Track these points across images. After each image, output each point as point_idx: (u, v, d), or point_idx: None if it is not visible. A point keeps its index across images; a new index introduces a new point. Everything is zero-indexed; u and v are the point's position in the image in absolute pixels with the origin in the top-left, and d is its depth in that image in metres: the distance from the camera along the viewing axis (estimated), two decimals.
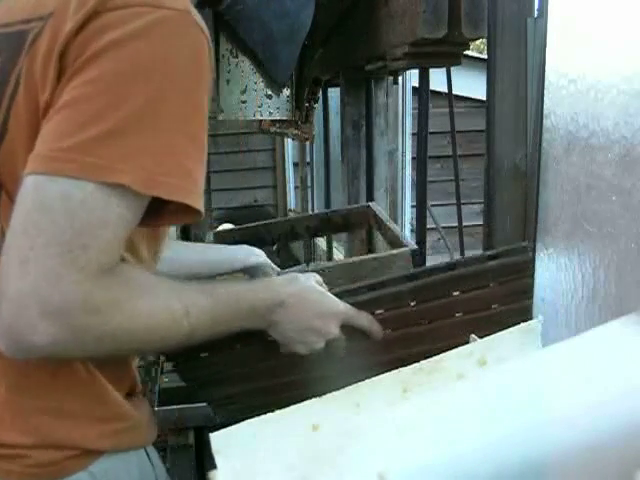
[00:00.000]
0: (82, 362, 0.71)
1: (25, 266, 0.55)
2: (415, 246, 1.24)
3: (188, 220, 0.67)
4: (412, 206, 2.60)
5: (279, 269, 1.24)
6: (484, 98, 1.25)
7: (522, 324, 0.77)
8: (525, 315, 0.92)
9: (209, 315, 0.70)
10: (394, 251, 1.23)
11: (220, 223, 4.61)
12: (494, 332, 0.87)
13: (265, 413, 0.91)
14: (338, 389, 0.68)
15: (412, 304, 0.87)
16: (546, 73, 1.11)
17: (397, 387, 0.69)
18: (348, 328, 0.84)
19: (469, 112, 3.81)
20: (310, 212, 3.63)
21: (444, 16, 1.30)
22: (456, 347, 0.82)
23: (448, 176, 2.46)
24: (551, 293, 1.13)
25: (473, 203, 2.86)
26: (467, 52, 1.58)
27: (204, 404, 1.46)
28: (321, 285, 0.85)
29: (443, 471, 0.54)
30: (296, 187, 4.57)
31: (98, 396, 0.73)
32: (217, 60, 1.63)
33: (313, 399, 0.66)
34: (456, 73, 1.78)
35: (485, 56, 1.25)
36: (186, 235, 1.56)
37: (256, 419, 0.62)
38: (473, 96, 3.91)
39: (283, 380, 0.91)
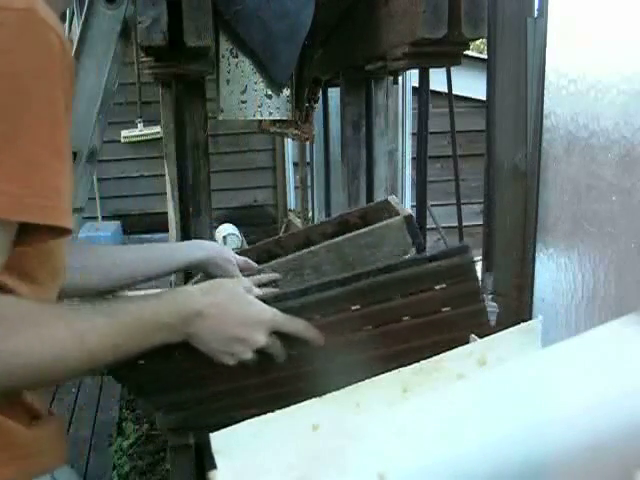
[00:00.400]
0: None
1: None
2: (408, 211, 1.13)
3: (58, 237, 0.62)
4: (412, 206, 2.60)
5: (256, 264, 1.14)
6: (484, 98, 1.25)
7: (522, 324, 0.77)
8: (480, 318, 0.89)
9: (110, 337, 0.67)
10: (384, 222, 1.12)
11: (220, 223, 4.61)
12: (447, 335, 0.86)
13: (219, 417, 0.89)
14: (338, 389, 0.68)
15: (354, 308, 0.83)
16: (546, 73, 1.11)
17: (397, 387, 0.69)
18: (288, 336, 0.81)
19: (469, 112, 3.81)
20: (310, 211, 3.63)
21: (444, 16, 1.30)
22: (411, 351, 0.81)
23: (448, 176, 2.46)
24: (551, 293, 1.13)
25: (473, 203, 2.86)
26: (467, 52, 1.58)
27: None
28: (250, 291, 0.81)
29: (443, 471, 0.54)
30: (296, 187, 4.58)
31: None
32: (217, 60, 1.63)
33: (313, 399, 0.65)
34: (456, 73, 1.78)
35: (485, 56, 1.25)
36: (186, 235, 1.56)
37: (256, 419, 0.62)
38: (473, 96, 3.91)
39: (231, 385, 0.88)
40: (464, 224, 1.87)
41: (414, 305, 0.85)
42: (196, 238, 1.56)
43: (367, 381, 0.69)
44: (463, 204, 1.90)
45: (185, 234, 1.56)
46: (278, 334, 0.80)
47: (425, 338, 0.87)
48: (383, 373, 0.73)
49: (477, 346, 0.76)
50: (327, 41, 1.99)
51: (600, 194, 0.94)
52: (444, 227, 3.69)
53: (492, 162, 1.24)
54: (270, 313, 0.78)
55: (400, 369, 0.72)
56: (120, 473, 2.75)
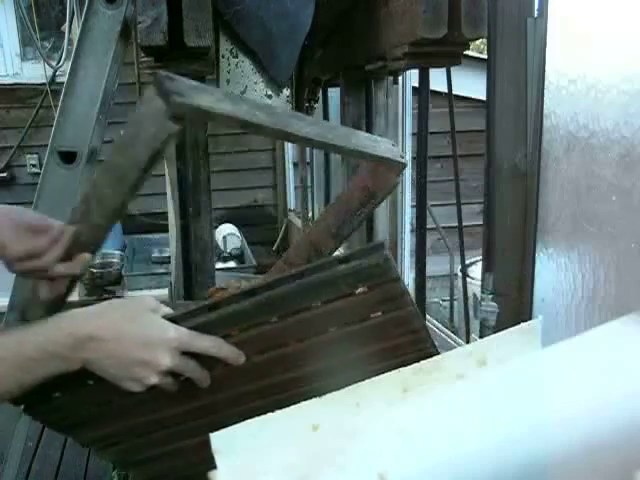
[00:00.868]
0: None
1: None
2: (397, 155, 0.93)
3: None
4: (412, 206, 2.60)
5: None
6: (484, 98, 1.25)
7: (522, 324, 0.77)
8: (412, 323, 0.80)
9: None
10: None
11: (220, 223, 4.61)
12: (384, 343, 0.79)
13: (158, 448, 0.83)
14: (337, 389, 0.68)
15: (273, 320, 0.76)
16: (546, 73, 1.11)
17: (397, 387, 0.69)
18: (206, 357, 0.74)
19: (469, 112, 3.81)
20: (310, 211, 3.63)
21: (444, 16, 1.30)
22: (352, 364, 0.75)
23: (448, 176, 2.46)
24: (551, 293, 1.13)
25: (473, 203, 2.85)
26: (467, 52, 1.58)
27: None
28: (157, 310, 0.74)
29: (443, 471, 0.54)
30: (296, 187, 4.57)
31: None
32: (217, 60, 1.63)
33: (313, 399, 0.65)
34: (456, 73, 1.78)
35: (485, 56, 1.25)
36: (186, 235, 1.56)
37: (256, 419, 0.62)
38: (473, 96, 3.91)
39: (157, 415, 0.81)
40: (464, 224, 1.87)
41: (337, 313, 0.77)
42: (196, 238, 1.56)
43: (367, 381, 0.69)
44: (463, 204, 1.90)
45: (185, 234, 1.56)
46: (194, 355, 0.73)
47: (356, 349, 0.80)
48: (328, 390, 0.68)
49: (477, 346, 0.76)
50: (327, 41, 1.99)
51: (600, 194, 0.94)
52: (444, 227, 3.69)
53: (492, 162, 1.24)
54: (174, 331, 0.71)
55: (400, 369, 0.71)
56: (120, 473, 2.75)
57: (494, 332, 1.19)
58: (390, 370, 0.72)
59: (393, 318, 0.79)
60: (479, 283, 1.29)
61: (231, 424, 0.59)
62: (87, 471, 2.71)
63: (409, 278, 2.85)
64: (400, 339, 0.81)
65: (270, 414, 0.63)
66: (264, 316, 0.76)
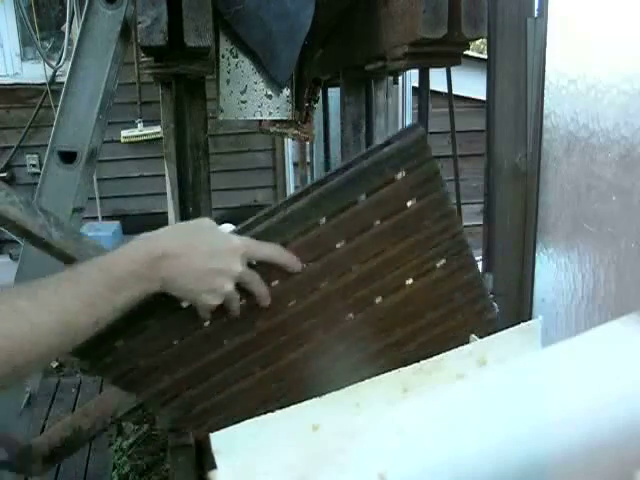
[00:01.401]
0: None
1: None
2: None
3: None
4: None
5: None
6: (484, 98, 1.25)
7: (522, 324, 0.77)
8: (445, 205, 0.83)
9: (80, 302, 0.62)
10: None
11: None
12: (417, 236, 0.82)
13: (216, 395, 0.84)
14: (337, 388, 0.68)
15: (322, 222, 0.78)
16: (546, 73, 1.11)
17: (397, 387, 0.69)
18: (263, 269, 0.76)
19: (469, 112, 3.80)
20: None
21: (444, 16, 1.30)
22: (389, 263, 0.80)
23: (448, 176, 2.46)
24: (551, 293, 1.13)
25: (473, 203, 2.85)
26: (467, 52, 1.58)
27: None
28: (214, 227, 0.77)
29: (443, 471, 0.54)
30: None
31: None
32: (217, 60, 1.63)
33: (313, 399, 0.65)
34: (456, 73, 1.78)
35: (485, 56, 1.25)
36: None
37: (256, 419, 0.62)
38: (473, 96, 3.90)
39: (218, 351, 0.81)
40: (464, 224, 1.87)
41: (380, 204, 0.80)
42: None
43: (367, 381, 0.69)
44: (463, 204, 1.90)
45: None
46: (254, 268, 0.75)
47: (398, 243, 0.82)
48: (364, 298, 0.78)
49: (477, 346, 0.76)
50: (327, 41, 1.99)
51: (600, 194, 0.94)
52: None
53: (492, 162, 1.24)
54: (238, 240, 0.74)
55: (400, 369, 0.72)
56: (120, 473, 2.75)
57: (494, 332, 1.19)
58: (425, 262, 0.82)
59: (428, 203, 0.82)
60: None
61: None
62: (87, 471, 2.71)
63: None
64: (433, 227, 0.84)
65: (270, 414, 0.64)
66: (316, 217, 0.78)
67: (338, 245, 0.80)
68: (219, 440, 0.60)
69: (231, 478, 0.56)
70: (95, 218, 4.40)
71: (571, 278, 1.03)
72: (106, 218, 4.47)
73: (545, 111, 1.11)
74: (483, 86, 1.24)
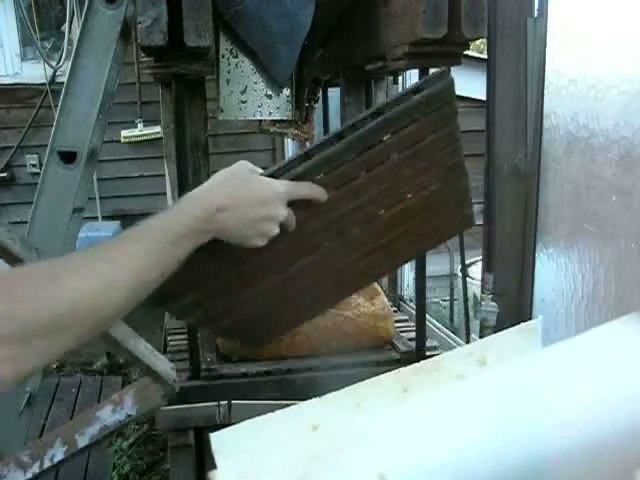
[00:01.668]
0: None
1: None
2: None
3: None
4: None
5: None
6: (484, 98, 1.25)
7: (522, 324, 0.77)
8: (454, 136, 0.93)
9: (150, 257, 0.68)
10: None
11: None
12: (426, 162, 0.93)
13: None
14: (338, 388, 0.68)
15: (351, 158, 0.86)
16: (546, 73, 1.11)
17: (397, 387, 0.69)
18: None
19: (469, 112, 3.80)
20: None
21: (444, 16, 1.30)
22: (398, 186, 0.92)
23: None
24: (551, 293, 1.13)
25: (473, 203, 2.86)
26: (467, 52, 1.58)
27: (205, 404, 1.46)
28: (253, 171, 0.83)
29: (443, 471, 0.54)
30: None
31: None
32: (217, 60, 1.63)
33: (313, 399, 0.65)
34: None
35: (485, 56, 1.25)
36: None
37: (256, 419, 0.62)
38: (473, 96, 3.90)
39: (238, 270, 0.91)
40: None
41: (403, 140, 0.88)
42: None
43: (367, 381, 0.69)
44: None
45: None
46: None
47: (409, 168, 0.93)
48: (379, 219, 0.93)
49: (477, 346, 0.76)
50: (327, 41, 1.98)
51: (600, 194, 0.94)
52: None
53: (492, 162, 1.24)
54: (280, 185, 0.81)
55: (400, 369, 0.71)
56: (120, 473, 2.75)
57: (494, 332, 1.19)
58: (426, 181, 0.94)
59: (442, 136, 0.91)
60: (479, 283, 1.29)
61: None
62: (87, 471, 2.71)
63: (409, 278, 2.85)
64: (441, 153, 0.95)
65: (270, 414, 0.63)
66: (348, 157, 0.85)
67: (360, 175, 0.89)
68: (219, 440, 0.60)
69: (231, 478, 0.56)
70: (95, 218, 4.40)
71: (571, 278, 1.03)
72: (106, 218, 4.47)
73: (545, 111, 1.11)
74: (483, 86, 1.24)
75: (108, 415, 1.21)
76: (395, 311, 1.94)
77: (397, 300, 2.24)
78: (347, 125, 0.85)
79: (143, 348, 1.09)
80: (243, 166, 0.82)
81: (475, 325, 1.42)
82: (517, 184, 1.23)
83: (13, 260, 0.92)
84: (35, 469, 1.18)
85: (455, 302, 3.75)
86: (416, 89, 0.85)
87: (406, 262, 1.69)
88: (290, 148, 4.58)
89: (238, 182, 0.80)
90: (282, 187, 0.80)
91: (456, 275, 3.67)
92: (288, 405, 0.65)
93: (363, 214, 0.95)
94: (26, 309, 0.54)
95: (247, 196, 0.78)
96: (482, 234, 1.28)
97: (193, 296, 0.93)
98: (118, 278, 0.64)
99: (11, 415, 1.44)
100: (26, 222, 1.35)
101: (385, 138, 0.86)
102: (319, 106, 2.33)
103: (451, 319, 3.70)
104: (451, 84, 0.87)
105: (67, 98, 1.37)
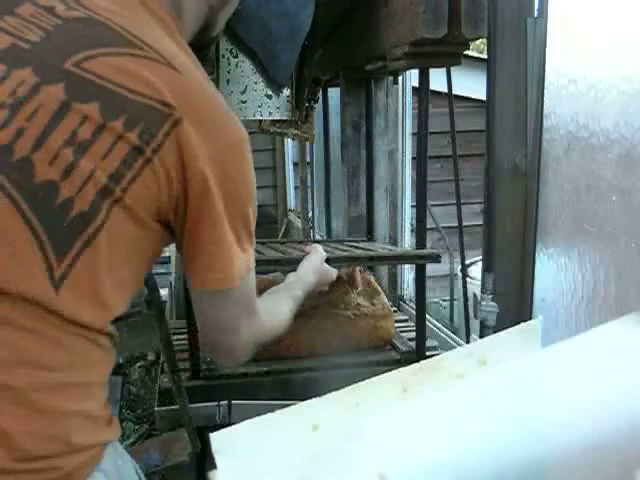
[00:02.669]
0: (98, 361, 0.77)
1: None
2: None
3: None
4: (412, 206, 2.60)
5: None
6: (484, 98, 1.25)
7: (522, 324, 0.77)
8: None
9: (294, 309, 1.12)
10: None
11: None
12: None
13: None
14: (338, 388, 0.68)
15: None
16: (546, 73, 1.11)
17: (397, 387, 0.69)
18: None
19: (469, 112, 3.81)
20: (310, 211, 3.63)
21: (444, 16, 1.30)
22: None
23: (448, 176, 2.46)
24: (551, 293, 1.13)
25: (473, 203, 2.86)
26: (467, 52, 1.58)
27: (204, 404, 1.46)
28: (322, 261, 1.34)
29: (443, 471, 0.54)
30: (296, 187, 4.57)
31: (101, 394, 0.77)
32: (217, 60, 1.62)
33: (313, 399, 0.65)
34: (456, 73, 1.78)
35: (485, 56, 1.25)
36: None
37: (256, 419, 0.62)
38: (473, 96, 3.91)
39: None
40: (464, 224, 1.87)
41: None
42: None
43: (367, 381, 0.69)
44: (463, 204, 1.90)
45: None
46: None
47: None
48: None
49: (477, 346, 0.76)
50: (327, 41, 1.99)
51: (600, 194, 0.94)
52: (444, 227, 3.69)
53: (492, 162, 1.24)
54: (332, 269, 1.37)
55: (400, 369, 0.71)
56: None
57: (494, 332, 1.19)
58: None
59: None
60: (479, 283, 1.29)
61: None
62: None
63: (409, 278, 2.84)
64: None
65: (270, 414, 0.63)
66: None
67: None
68: (219, 440, 0.60)
69: (231, 478, 0.56)
70: None
71: (571, 278, 1.03)
72: None
73: (545, 111, 1.11)
74: (483, 86, 1.24)
75: None
76: (395, 311, 1.94)
77: (397, 300, 2.24)
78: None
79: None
80: (317, 249, 1.35)
81: (475, 325, 1.42)
82: (517, 184, 1.23)
83: None
84: None
85: (455, 302, 3.75)
86: None
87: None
88: (290, 148, 4.58)
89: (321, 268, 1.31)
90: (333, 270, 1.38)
91: (456, 275, 3.68)
92: (288, 405, 0.65)
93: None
94: (264, 335, 0.97)
95: (323, 272, 1.32)
96: (482, 234, 1.28)
97: None
98: (283, 318, 1.06)
99: None
100: None
101: None
102: (319, 106, 2.33)
103: (451, 319, 3.70)
104: None
105: None
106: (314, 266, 1.29)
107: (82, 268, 0.70)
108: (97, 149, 0.69)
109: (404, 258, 1.77)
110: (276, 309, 1.06)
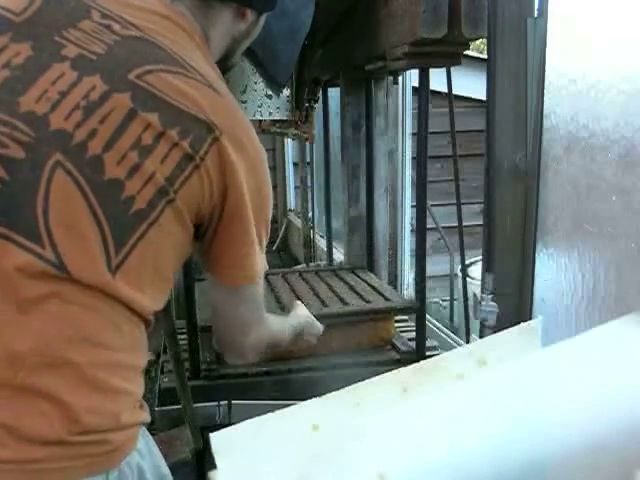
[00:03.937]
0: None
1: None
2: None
3: None
4: (412, 206, 2.60)
5: None
6: (484, 98, 1.25)
7: (522, 324, 0.77)
8: None
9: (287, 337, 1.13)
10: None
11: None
12: None
13: None
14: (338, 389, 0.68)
15: None
16: (546, 73, 1.11)
17: (397, 387, 0.69)
18: None
19: (469, 112, 3.81)
20: (310, 211, 3.62)
21: (444, 16, 1.30)
22: None
23: (448, 176, 2.46)
24: (551, 293, 1.13)
25: (473, 203, 2.85)
26: (467, 52, 1.58)
27: (204, 404, 1.46)
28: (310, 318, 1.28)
29: (443, 471, 0.54)
30: (296, 187, 4.58)
31: (142, 378, 0.85)
32: None
33: (313, 399, 0.66)
34: (456, 73, 1.78)
35: (485, 56, 1.25)
36: None
37: (256, 419, 0.62)
38: (473, 96, 3.90)
39: None
40: (464, 224, 1.87)
41: None
42: None
43: (367, 381, 0.69)
44: (463, 204, 1.90)
45: None
46: None
47: None
48: None
49: (477, 346, 0.76)
50: (327, 41, 1.99)
51: (600, 194, 0.94)
52: (444, 227, 3.69)
53: (492, 162, 1.24)
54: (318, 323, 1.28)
55: (400, 369, 0.72)
56: None
57: (494, 332, 1.19)
58: None
59: None
60: (479, 283, 1.29)
61: None
62: None
63: (409, 278, 2.84)
64: None
65: (270, 414, 0.63)
66: None
67: None
68: (219, 440, 0.60)
69: (231, 478, 0.56)
70: None
71: (571, 278, 1.03)
72: None
73: (545, 111, 1.11)
74: (483, 86, 1.24)
75: None
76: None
77: None
78: None
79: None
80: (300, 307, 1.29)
81: (475, 325, 1.42)
82: (517, 184, 1.23)
83: None
84: None
85: (455, 302, 3.75)
86: None
87: None
88: (290, 148, 4.58)
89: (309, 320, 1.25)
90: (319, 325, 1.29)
91: (456, 275, 3.67)
92: (288, 405, 0.65)
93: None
94: (271, 339, 1.02)
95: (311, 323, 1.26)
96: (482, 234, 1.28)
97: None
98: (286, 336, 1.11)
99: None
100: None
101: None
102: (319, 106, 2.33)
103: (451, 319, 3.70)
104: None
105: None
106: (303, 315, 1.28)
107: (134, 260, 0.77)
108: (157, 153, 0.77)
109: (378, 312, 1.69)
110: (279, 323, 1.12)
